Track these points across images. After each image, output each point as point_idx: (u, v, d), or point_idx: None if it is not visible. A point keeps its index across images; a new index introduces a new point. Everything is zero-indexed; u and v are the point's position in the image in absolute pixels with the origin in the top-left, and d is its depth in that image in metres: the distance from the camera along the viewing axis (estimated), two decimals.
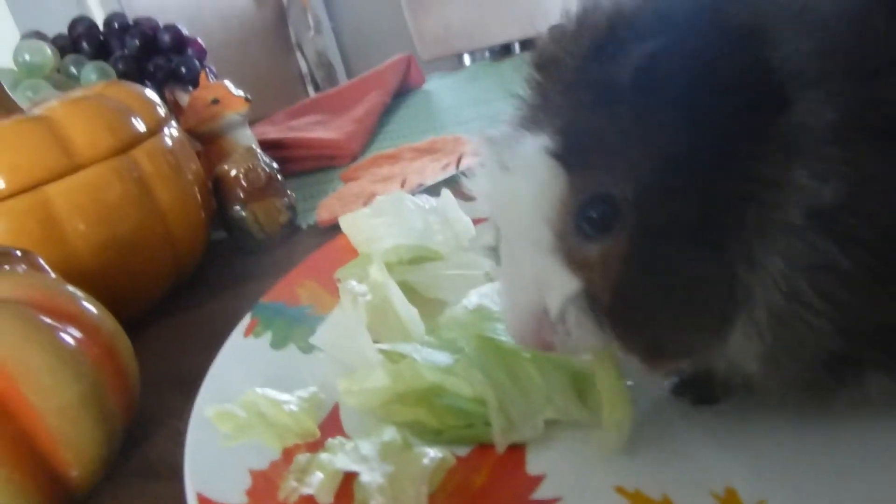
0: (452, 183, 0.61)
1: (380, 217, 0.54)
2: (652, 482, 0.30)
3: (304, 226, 0.78)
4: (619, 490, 0.30)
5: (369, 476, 0.30)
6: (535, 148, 0.27)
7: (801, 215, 0.24)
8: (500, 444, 0.34)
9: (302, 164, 0.94)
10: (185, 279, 0.68)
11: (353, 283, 0.44)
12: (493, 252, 0.33)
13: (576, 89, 0.27)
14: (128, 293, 0.61)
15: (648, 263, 0.26)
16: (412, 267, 0.49)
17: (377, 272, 0.44)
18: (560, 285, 0.28)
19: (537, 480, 0.32)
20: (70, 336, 0.42)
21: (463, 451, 0.35)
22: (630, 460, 0.32)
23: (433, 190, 0.59)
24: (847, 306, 0.25)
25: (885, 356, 0.26)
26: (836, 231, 0.24)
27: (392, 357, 0.39)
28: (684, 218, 0.25)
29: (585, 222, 0.27)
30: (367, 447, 0.32)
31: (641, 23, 0.26)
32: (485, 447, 0.35)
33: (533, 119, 0.28)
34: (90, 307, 0.46)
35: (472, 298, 0.40)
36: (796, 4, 0.25)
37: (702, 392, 0.33)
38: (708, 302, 0.26)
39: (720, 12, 0.26)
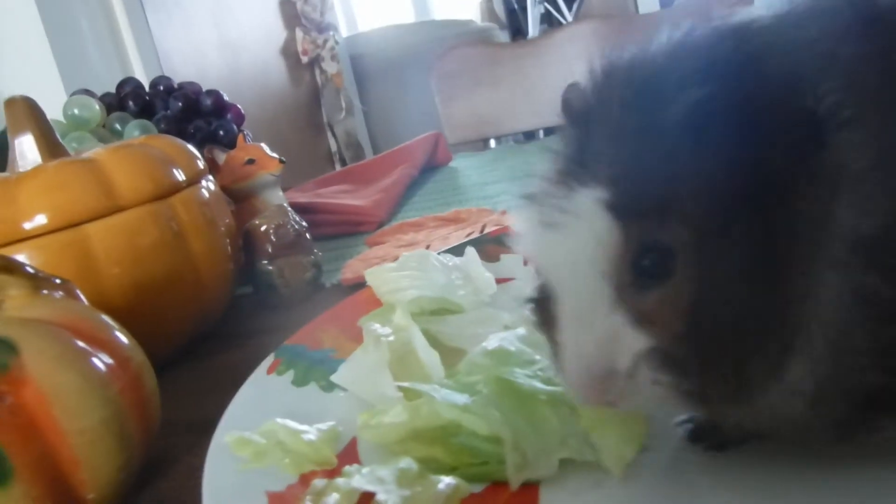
0: (477, 243, 0.62)
1: (404, 271, 0.56)
2: None
3: (327, 284, 0.79)
4: None
5: (385, 496, 0.31)
6: (589, 200, 0.27)
7: (845, 250, 0.25)
8: (514, 480, 0.35)
9: (328, 228, 0.97)
10: (208, 328, 0.70)
11: (377, 325, 0.45)
12: (531, 303, 0.33)
13: (621, 139, 0.27)
14: (153, 335, 0.62)
15: (711, 307, 0.26)
16: (434, 317, 0.50)
17: (401, 317, 0.45)
18: (629, 342, 0.27)
19: None
20: (100, 361, 0.43)
21: (477, 489, 0.35)
22: (641, 499, 0.32)
23: (457, 250, 0.61)
24: (887, 338, 0.25)
25: None
26: (878, 262, 0.25)
27: (410, 395, 0.39)
28: (738, 260, 0.25)
29: (644, 273, 0.26)
30: (383, 472, 0.33)
31: (681, 72, 0.27)
32: (498, 485, 0.35)
33: (576, 173, 0.28)
34: (122, 337, 0.47)
35: (492, 341, 0.41)
36: (825, 51, 0.26)
37: (717, 438, 0.34)
38: (772, 342, 0.26)
39: (761, 62, 0.27)
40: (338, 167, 2.68)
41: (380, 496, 0.31)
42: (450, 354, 0.46)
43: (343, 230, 0.97)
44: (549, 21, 3.44)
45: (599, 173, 0.27)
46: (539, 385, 0.39)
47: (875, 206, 0.25)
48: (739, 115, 0.26)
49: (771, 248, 0.26)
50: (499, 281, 0.55)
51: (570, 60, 1.49)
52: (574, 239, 0.27)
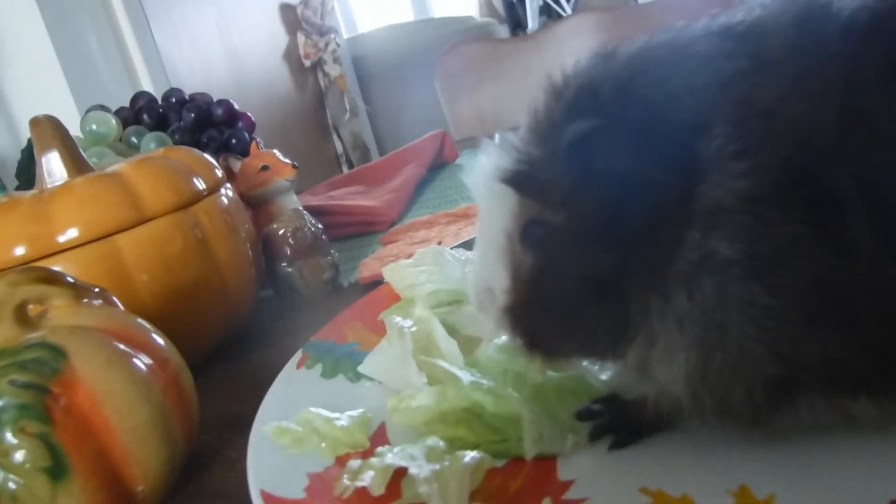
0: None
1: (421, 266, 0.59)
2: (673, 482, 0.33)
3: (345, 284, 0.82)
4: (643, 490, 0.33)
5: (417, 469, 0.34)
6: (504, 172, 0.35)
7: (700, 269, 0.30)
8: (530, 452, 0.38)
9: (343, 230, 1.00)
10: (236, 331, 0.73)
11: (399, 318, 0.48)
12: None
13: (538, 139, 0.35)
14: (184, 339, 0.65)
15: (555, 281, 0.34)
16: (451, 308, 0.53)
17: (421, 309, 0.48)
18: (499, 279, 0.36)
19: (567, 485, 0.35)
20: (142, 363, 0.47)
21: (499, 464, 0.38)
22: (653, 462, 0.35)
23: (469, 245, 0.64)
24: (774, 334, 0.30)
25: (818, 379, 0.31)
26: (754, 275, 0.29)
27: (434, 380, 0.42)
28: (592, 257, 0.33)
29: (527, 236, 0.35)
30: (413, 450, 0.36)
31: (575, 103, 0.33)
32: (519, 460, 0.38)
33: (513, 149, 0.36)
34: (159, 339, 0.50)
35: (504, 337, 0.44)
36: (736, 97, 0.30)
37: (621, 436, 0.37)
38: (599, 324, 0.34)
39: (664, 106, 0.31)
40: (345, 169, 2.71)
41: (412, 470, 0.34)
42: (467, 343, 0.49)
43: (357, 230, 1.00)
44: (548, 13, 3.46)
45: (521, 164, 0.34)
46: (549, 373, 0.42)
47: (736, 235, 0.29)
48: (613, 147, 0.31)
49: (621, 259, 0.32)
50: None
51: (571, 53, 1.51)
52: (496, 202, 0.36)
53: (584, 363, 0.42)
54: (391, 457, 0.35)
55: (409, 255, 0.83)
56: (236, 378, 0.66)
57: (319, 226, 0.81)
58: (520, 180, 0.34)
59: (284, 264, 0.77)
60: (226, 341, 0.71)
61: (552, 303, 0.35)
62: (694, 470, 0.34)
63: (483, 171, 0.37)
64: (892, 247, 0.28)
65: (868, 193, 0.27)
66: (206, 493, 0.49)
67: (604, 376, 0.41)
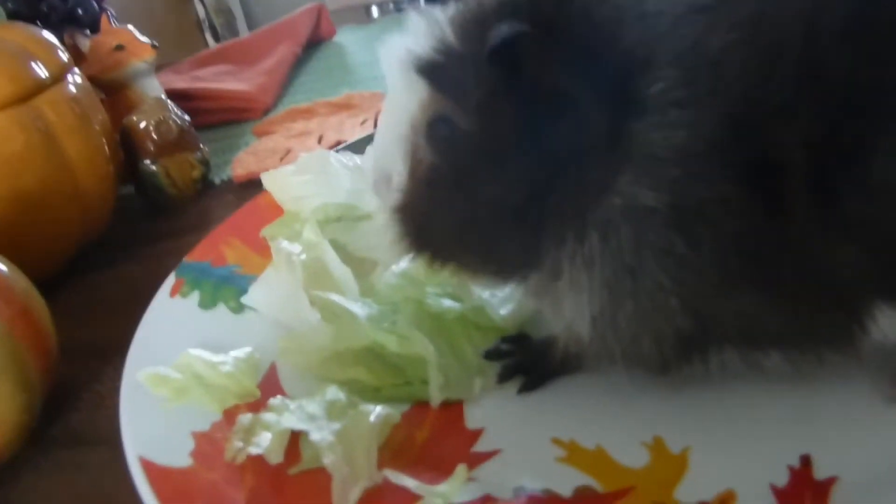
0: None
1: (305, 175, 0.54)
2: (586, 432, 0.32)
3: (217, 181, 0.76)
4: (556, 441, 0.32)
5: (318, 434, 0.31)
6: (418, 60, 0.31)
7: (620, 212, 0.28)
8: (436, 398, 0.35)
9: (211, 116, 0.91)
10: (94, 237, 0.65)
11: (286, 242, 0.43)
12: None
13: (462, 31, 0.30)
14: (35, 252, 0.58)
15: (455, 189, 0.31)
16: (341, 225, 0.48)
17: (311, 232, 0.44)
18: (398, 167, 0.33)
19: (476, 435, 0.34)
20: None
21: (402, 409, 0.36)
22: (565, 410, 0.34)
23: (356, 147, 0.59)
24: (690, 288, 0.28)
25: (731, 333, 0.30)
26: (675, 226, 0.27)
27: (328, 314, 0.39)
28: (500, 176, 0.30)
29: (432, 131, 0.31)
30: (312, 406, 0.33)
31: (532, 3, 0.29)
32: (422, 405, 0.36)
33: (434, 34, 0.31)
34: (3, 270, 0.43)
35: (402, 264, 0.41)
36: (688, 37, 0.27)
37: (530, 377, 0.36)
38: (500, 245, 0.31)
39: (610, 26, 0.28)
40: (208, 36, 2.50)
41: (313, 436, 0.31)
42: (360, 265, 0.45)
43: (227, 118, 0.92)
44: None
45: (438, 55, 0.30)
46: (448, 303, 0.39)
47: (663, 185, 0.27)
48: (543, 61, 0.28)
49: (534, 185, 0.29)
50: None
51: None
52: (405, 85, 0.32)
53: (485, 295, 0.39)
54: (288, 417, 0.32)
55: (288, 151, 0.77)
56: (99, 294, 0.60)
57: (186, 117, 0.73)
58: (433, 73, 0.31)
59: (147, 161, 0.69)
60: (83, 249, 0.64)
61: (449, 211, 0.32)
62: (607, 418, 0.33)
63: (397, 49, 0.32)
64: (829, 215, 0.26)
65: (816, 160, 0.26)
66: (71, 438, 0.44)
67: (503, 311, 0.39)
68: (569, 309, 0.31)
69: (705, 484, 0.29)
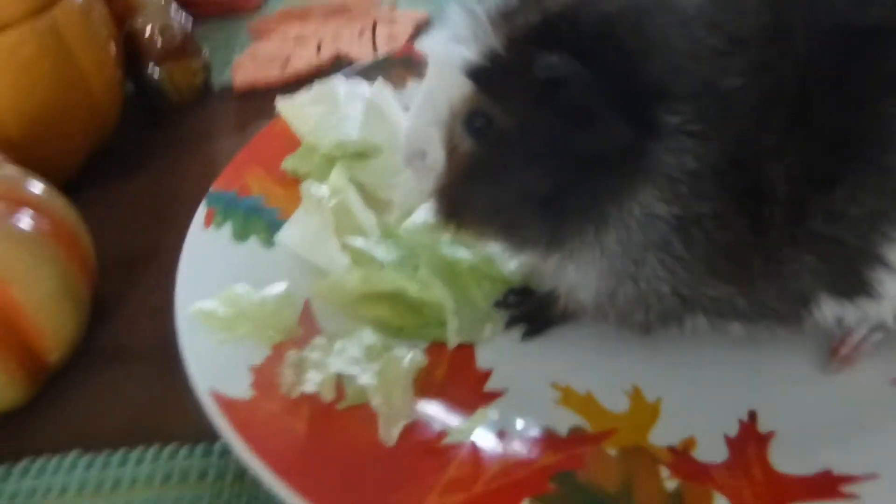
0: (384, 66, 0.63)
1: (319, 105, 0.57)
2: (579, 379, 0.39)
3: (217, 87, 0.77)
4: (554, 385, 0.39)
5: (365, 377, 0.37)
6: (465, 60, 0.34)
7: (640, 216, 0.34)
8: (453, 341, 0.42)
9: (203, 9, 0.91)
10: (104, 145, 0.68)
11: (315, 186, 0.48)
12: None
13: (507, 41, 0.33)
14: (51, 159, 0.61)
15: (491, 177, 0.36)
16: (358, 163, 0.53)
17: (337, 177, 0.48)
18: (433, 148, 0.37)
19: (486, 375, 0.40)
20: (35, 226, 0.44)
21: (421, 346, 0.42)
22: (562, 358, 0.41)
23: (368, 74, 0.62)
24: (679, 278, 0.34)
25: (705, 310, 0.36)
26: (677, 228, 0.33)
27: (358, 256, 0.44)
28: (535, 172, 0.34)
29: (470, 122, 0.35)
30: (353, 349, 0.39)
31: (574, 30, 0.32)
32: (439, 345, 0.42)
33: (478, 36, 0.34)
34: (41, 192, 0.48)
35: (420, 213, 0.46)
36: (705, 75, 0.32)
37: (532, 326, 0.42)
38: (526, 228, 0.36)
39: (639, 60, 0.32)
40: None
41: (361, 380, 0.37)
42: (380, 205, 0.50)
43: (219, 11, 0.92)
44: None
45: (486, 60, 0.34)
46: (462, 253, 0.45)
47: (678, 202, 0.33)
48: (584, 89, 0.32)
49: (563, 185, 0.34)
50: None
51: None
52: (449, 75, 0.35)
53: (494, 248, 0.45)
54: (335, 360, 0.38)
55: (288, 59, 0.79)
56: (115, 204, 0.63)
57: (188, 22, 0.74)
58: (480, 76, 0.34)
59: (153, 67, 0.71)
60: (95, 156, 0.67)
61: (483, 194, 0.37)
62: (596, 368, 0.40)
63: (443, 45, 0.36)
64: (798, 232, 0.32)
65: (795, 192, 0.31)
66: (112, 350, 0.49)
67: (511, 265, 0.45)
68: (575, 280, 0.37)
69: (672, 430, 0.36)
